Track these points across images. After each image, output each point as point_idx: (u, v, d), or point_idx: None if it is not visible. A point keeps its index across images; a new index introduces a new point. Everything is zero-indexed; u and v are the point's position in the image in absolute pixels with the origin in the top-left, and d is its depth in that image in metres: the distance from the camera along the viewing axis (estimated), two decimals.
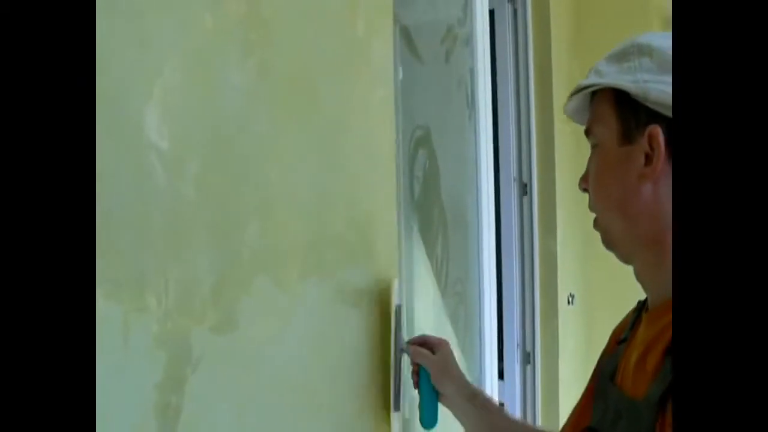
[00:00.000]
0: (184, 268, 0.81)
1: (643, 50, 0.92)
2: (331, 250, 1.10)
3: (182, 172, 0.81)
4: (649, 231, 0.92)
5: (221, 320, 0.87)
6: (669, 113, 0.88)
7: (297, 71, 1.02)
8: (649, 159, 0.90)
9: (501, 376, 2.76)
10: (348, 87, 1.15)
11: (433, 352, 1.23)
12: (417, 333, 1.53)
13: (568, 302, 2.88)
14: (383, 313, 1.23)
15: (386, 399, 1.23)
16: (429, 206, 1.79)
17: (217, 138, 0.87)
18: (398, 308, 1.23)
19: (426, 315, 1.83)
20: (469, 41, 1.99)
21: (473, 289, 2.07)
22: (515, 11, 2.70)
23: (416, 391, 1.24)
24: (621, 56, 0.94)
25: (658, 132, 0.88)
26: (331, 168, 1.10)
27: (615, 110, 0.93)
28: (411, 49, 1.71)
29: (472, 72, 2.01)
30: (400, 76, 1.58)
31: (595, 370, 1.08)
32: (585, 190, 1.00)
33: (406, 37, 1.67)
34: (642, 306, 1.00)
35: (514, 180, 2.67)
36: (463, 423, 1.25)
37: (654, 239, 0.92)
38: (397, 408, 1.22)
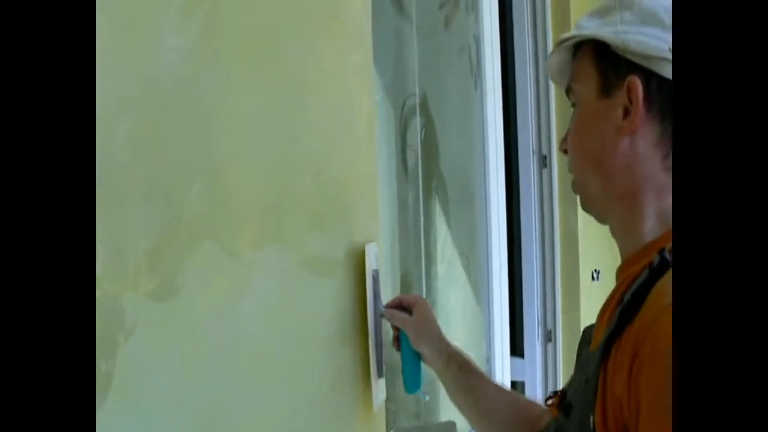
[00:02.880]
0: (114, 230, 0.78)
1: (624, 4, 0.93)
2: (295, 215, 1.06)
3: (111, 131, 0.78)
4: (625, 186, 0.92)
5: (159, 286, 0.84)
6: (648, 64, 0.88)
7: (252, 29, 0.98)
8: (627, 112, 0.89)
9: (522, 354, 2.71)
10: (317, 47, 1.11)
11: (411, 313, 1.24)
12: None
13: (593, 278, 2.81)
14: (359, 282, 1.19)
15: (367, 368, 1.20)
16: (426, 176, 1.74)
17: (154, 96, 0.84)
18: (375, 273, 1.21)
19: (420, 290, 1.79)
20: (474, 7, 1.93)
21: (481, 264, 2.02)
22: None
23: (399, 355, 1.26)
24: (603, 11, 0.95)
25: (636, 83, 0.88)
26: (295, 130, 1.06)
27: (595, 63, 0.93)
28: (402, 13, 1.66)
29: (477, 39, 1.94)
30: (391, 41, 1.53)
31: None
32: (565, 151, 1.00)
33: (396, 1, 1.62)
34: None
35: (533, 152, 2.59)
36: (442, 382, 1.26)
37: (629, 194, 0.91)
38: (380, 375, 1.21)
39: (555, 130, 2.60)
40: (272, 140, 1.02)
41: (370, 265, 1.19)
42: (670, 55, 0.87)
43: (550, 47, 2.62)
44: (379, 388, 1.21)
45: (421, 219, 1.76)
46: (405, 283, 1.78)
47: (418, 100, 1.71)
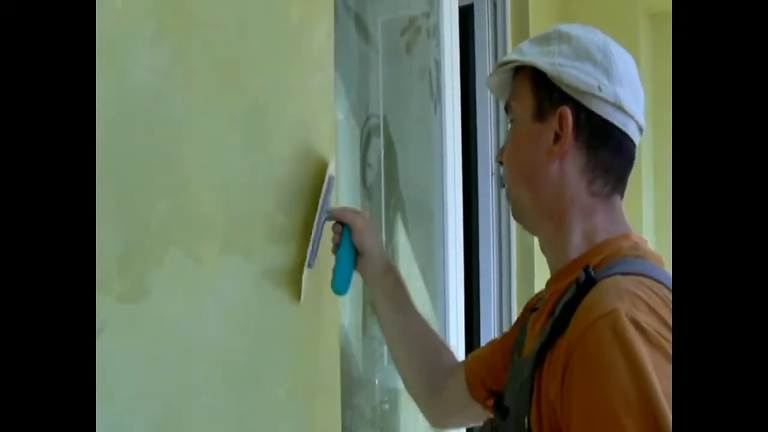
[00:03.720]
0: None
1: (563, 37, 1.01)
2: (258, 229, 1.13)
3: None
4: (554, 206, 0.99)
5: (129, 289, 0.91)
6: (579, 97, 0.96)
7: (218, 56, 1.06)
8: (558, 138, 0.97)
9: None
10: (279, 72, 1.19)
11: None
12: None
13: None
14: (314, 300, 1.26)
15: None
16: (386, 194, 1.82)
17: (126, 113, 0.91)
18: (331, 178, 1.25)
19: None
20: (435, 33, 2.02)
21: (438, 278, 2.10)
22: (495, 5, 2.72)
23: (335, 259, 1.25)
24: (543, 40, 1.02)
25: (567, 113, 0.96)
26: (259, 150, 1.14)
27: (532, 88, 1.00)
28: (364, 38, 1.75)
29: (438, 64, 2.04)
30: (355, 65, 1.61)
31: (510, 332, 1.18)
32: (501, 163, 1.07)
33: (360, 27, 1.71)
34: None
35: (492, 173, 2.68)
36: (372, 291, 1.29)
37: (557, 214, 0.99)
38: (310, 265, 1.20)
39: None
40: (236, 158, 1.09)
41: (328, 171, 1.24)
42: (599, 92, 0.95)
43: None
44: (307, 279, 1.20)
45: (382, 234, 1.84)
46: (365, 297, 1.84)
47: (380, 121, 1.79)
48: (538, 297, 1.11)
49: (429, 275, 2.08)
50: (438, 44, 2.04)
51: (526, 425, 0.89)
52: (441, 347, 1.31)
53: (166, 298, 0.96)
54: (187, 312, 1.00)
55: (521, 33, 2.78)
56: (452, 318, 2.14)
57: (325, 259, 1.24)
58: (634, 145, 1.00)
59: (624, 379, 0.77)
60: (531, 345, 0.96)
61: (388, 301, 1.29)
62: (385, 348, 1.92)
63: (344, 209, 1.28)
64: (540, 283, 2.84)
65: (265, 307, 1.15)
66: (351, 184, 1.70)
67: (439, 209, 2.08)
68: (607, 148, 0.98)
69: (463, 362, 1.26)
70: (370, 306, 1.84)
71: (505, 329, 2.85)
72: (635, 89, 1.00)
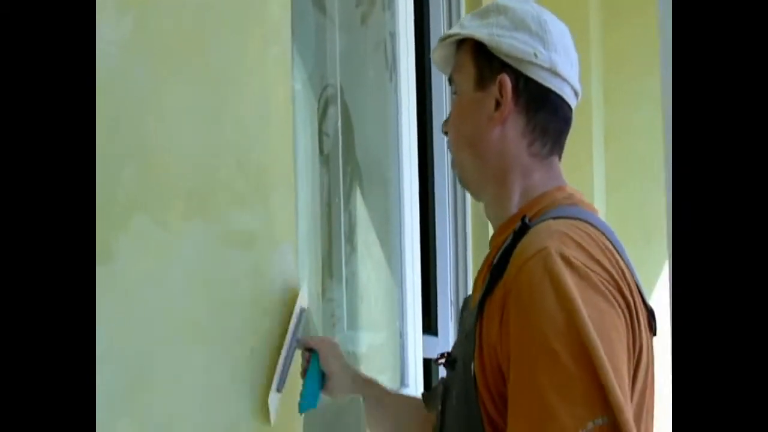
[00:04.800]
0: None
1: (500, 9, 1.07)
2: (219, 194, 1.18)
3: None
4: (496, 168, 1.05)
5: (98, 252, 0.95)
6: (517, 65, 1.03)
7: (181, 28, 1.10)
8: (498, 104, 1.03)
9: (435, 332, 2.86)
10: (239, 43, 1.23)
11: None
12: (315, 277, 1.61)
13: None
14: (275, 258, 1.32)
15: (269, 377, 1.27)
16: (343, 162, 1.87)
17: None
18: (302, 311, 1.34)
19: (339, 269, 1.92)
20: (390, 5, 2.07)
21: (395, 245, 2.17)
22: None
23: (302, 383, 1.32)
24: (483, 13, 1.09)
25: (506, 81, 1.02)
26: (220, 119, 1.18)
27: (473, 59, 1.06)
28: (321, 10, 1.79)
29: (393, 35, 2.08)
30: (312, 36, 1.65)
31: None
32: (446, 133, 1.13)
33: (317, 0, 1.75)
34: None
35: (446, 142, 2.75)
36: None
37: (500, 176, 1.05)
38: (279, 389, 1.28)
39: None
40: (198, 127, 1.13)
41: (299, 304, 1.33)
42: (535, 59, 1.02)
43: None
44: (275, 401, 1.27)
45: (341, 201, 1.89)
46: (325, 261, 1.90)
47: (336, 90, 1.84)
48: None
49: (386, 241, 2.14)
50: (393, 16, 2.08)
51: (472, 372, 0.93)
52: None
53: (133, 262, 1.01)
54: (151, 275, 1.04)
55: (474, 5, 2.83)
56: (409, 283, 2.21)
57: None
58: (570, 107, 1.06)
59: (552, 308, 0.83)
60: (476, 297, 1.02)
61: (367, 405, 1.35)
62: (345, 312, 1.99)
63: (312, 337, 1.37)
64: None
65: (225, 269, 1.20)
66: (308, 153, 1.75)
67: (395, 176, 2.14)
68: (545, 111, 1.03)
69: None
70: (328, 270, 1.90)
71: (461, 293, 2.94)
72: (569, 55, 1.06)
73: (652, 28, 2.04)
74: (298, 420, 1.37)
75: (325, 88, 1.79)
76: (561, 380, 0.81)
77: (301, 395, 1.30)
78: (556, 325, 0.83)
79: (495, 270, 0.94)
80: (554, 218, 0.96)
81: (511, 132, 1.04)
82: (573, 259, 0.87)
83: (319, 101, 1.77)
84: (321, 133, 1.77)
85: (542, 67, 1.02)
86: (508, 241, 0.95)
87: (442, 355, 1.14)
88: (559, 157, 1.08)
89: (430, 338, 2.78)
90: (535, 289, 0.86)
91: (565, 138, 1.08)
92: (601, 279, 0.88)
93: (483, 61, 1.05)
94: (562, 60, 1.04)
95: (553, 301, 0.84)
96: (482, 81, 1.05)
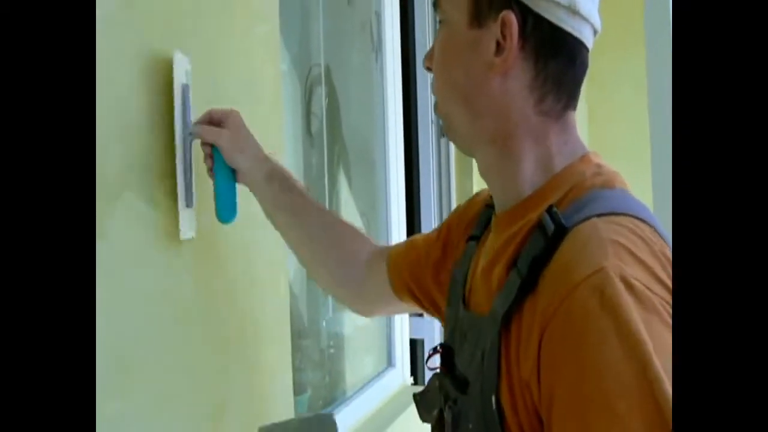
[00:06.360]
0: None
1: None
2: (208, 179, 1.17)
3: None
4: (495, 128, 0.85)
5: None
6: (526, 0, 0.80)
7: (166, 7, 1.09)
8: (500, 48, 0.82)
9: (421, 313, 2.88)
10: (225, 24, 1.22)
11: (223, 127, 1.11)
12: None
13: None
14: (263, 239, 1.31)
15: (172, 194, 1.07)
16: (329, 142, 1.87)
17: None
18: (184, 87, 1.07)
19: None
20: None
21: (381, 224, 2.18)
22: None
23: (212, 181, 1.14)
24: None
25: (512, 18, 0.80)
26: (208, 98, 1.18)
27: None
28: None
29: (379, 15, 2.08)
30: (298, 17, 1.64)
31: (435, 242, 1.07)
32: (429, 69, 0.91)
33: None
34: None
35: (431, 122, 2.76)
36: (261, 203, 1.17)
37: (501, 137, 0.85)
38: (189, 204, 1.08)
39: None
40: None
41: (178, 79, 1.05)
42: None
43: None
44: (188, 219, 1.08)
45: (326, 181, 1.89)
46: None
47: (322, 70, 1.83)
48: (471, 219, 1.02)
49: (372, 221, 2.15)
50: None
51: (494, 405, 0.76)
52: (350, 236, 1.20)
53: (123, 240, 1.00)
54: (141, 252, 1.04)
55: None
56: None
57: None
58: (587, 50, 0.85)
59: (616, 356, 0.65)
60: (484, 298, 0.85)
61: (279, 209, 1.16)
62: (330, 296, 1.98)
63: (204, 128, 1.10)
64: None
65: (215, 250, 1.19)
66: (296, 133, 1.74)
67: (381, 157, 2.14)
68: (559, 59, 0.82)
69: (382, 252, 1.16)
70: None
71: None
72: None
73: (637, 8, 2.05)
74: (275, 241, 1.23)
75: (311, 69, 1.79)
76: None
77: (216, 200, 1.11)
78: (622, 380, 0.64)
79: (524, 283, 0.75)
80: (598, 215, 0.76)
81: (514, 84, 0.82)
82: (635, 282, 0.68)
83: (305, 82, 1.77)
84: (308, 113, 1.77)
85: (558, 4, 0.80)
86: (539, 247, 0.76)
87: (435, 350, 0.95)
88: (574, 110, 0.87)
89: (415, 319, 2.80)
90: (592, 328, 0.67)
91: (580, 88, 0.86)
92: (663, 303, 0.69)
93: None
94: None
95: (617, 347, 0.65)
96: (479, 15, 0.82)
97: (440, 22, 0.89)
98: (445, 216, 2.88)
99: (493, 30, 0.81)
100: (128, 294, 1.01)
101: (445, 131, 0.93)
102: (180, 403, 1.10)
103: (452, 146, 2.81)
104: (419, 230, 2.82)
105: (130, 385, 0.98)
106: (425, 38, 2.71)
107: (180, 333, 1.11)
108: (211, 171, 1.12)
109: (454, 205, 2.87)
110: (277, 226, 1.19)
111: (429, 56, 0.91)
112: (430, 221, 2.82)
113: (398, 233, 2.23)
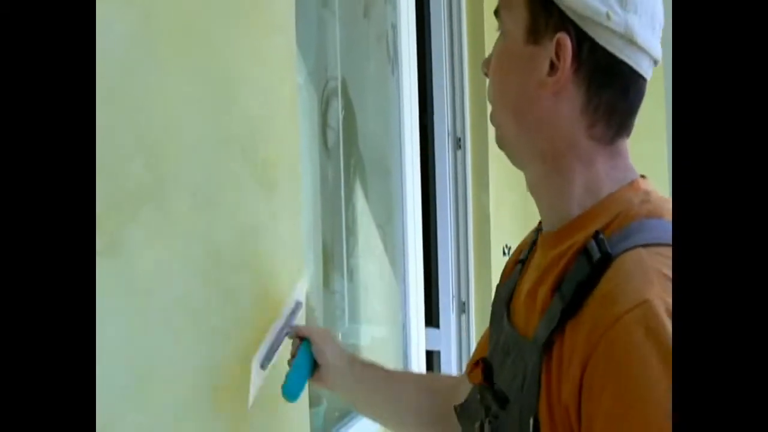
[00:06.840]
0: None
1: None
2: (226, 187, 1.18)
3: None
4: (546, 147, 0.86)
5: (106, 245, 0.95)
6: (583, 24, 0.81)
7: (185, 20, 1.09)
8: (554, 68, 0.83)
9: (437, 324, 2.88)
10: (242, 36, 1.23)
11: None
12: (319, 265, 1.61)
13: (504, 253, 2.99)
14: (280, 252, 1.32)
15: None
16: (345, 154, 1.88)
17: (98, 80, 0.94)
18: (298, 304, 1.27)
19: (340, 261, 1.92)
20: None
21: (397, 238, 2.17)
22: None
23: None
24: None
25: (566, 41, 0.81)
26: (225, 111, 1.18)
27: (527, 2, 0.85)
28: (322, 2, 1.79)
29: (395, 27, 2.08)
30: (314, 29, 1.65)
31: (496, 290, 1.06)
32: (487, 74, 0.93)
33: None
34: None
35: (448, 134, 2.76)
36: (349, 392, 1.24)
37: (551, 157, 0.86)
38: (263, 366, 1.20)
39: (468, 114, 2.76)
40: (205, 121, 1.13)
41: (296, 294, 1.27)
42: (606, 21, 0.80)
43: (465, 34, 2.78)
44: (257, 377, 1.19)
45: (342, 194, 1.89)
46: (326, 254, 1.90)
47: (339, 83, 1.84)
48: (522, 247, 1.04)
49: (388, 234, 2.14)
50: (395, 8, 2.08)
51: (531, 427, 0.77)
52: (438, 378, 1.27)
53: (140, 253, 1.01)
54: (160, 266, 1.04)
55: None
56: (411, 276, 2.21)
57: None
58: (645, 81, 0.85)
59: (662, 387, 0.65)
60: (527, 319, 0.86)
61: (369, 384, 1.23)
62: (347, 304, 1.99)
63: (304, 326, 1.26)
64: (497, 241, 2.94)
65: (230, 262, 1.20)
66: (312, 146, 1.75)
67: (397, 169, 2.14)
68: (613, 89, 0.83)
69: (463, 375, 1.15)
70: (331, 260, 1.90)
71: (463, 284, 2.96)
72: (652, 16, 0.83)
73: None
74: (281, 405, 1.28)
75: (327, 82, 1.79)
76: None
77: (287, 380, 1.21)
78: (664, 405, 0.64)
79: (567, 307, 0.76)
80: (644, 245, 0.75)
81: (566, 106, 0.83)
82: None
83: (322, 95, 1.77)
84: (325, 126, 1.77)
85: (615, 32, 0.80)
86: (584, 273, 0.76)
87: (477, 364, 0.96)
88: (628, 137, 0.87)
89: (432, 330, 2.80)
90: (636, 359, 0.67)
91: (635, 117, 0.86)
92: None
93: (539, 7, 0.83)
94: (642, 23, 0.82)
95: (663, 379, 0.65)
96: (536, 32, 0.83)
97: (498, 30, 0.90)
98: (460, 229, 2.88)
99: (549, 49, 0.82)
100: (149, 306, 1.01)
101: (497, 141, 0.93)
102: (199, 416, 1.10)
103: (468, 158, 2.80)
104: (435, 242, 2.82)
105: (149, 398, 0.98)
106: (441, 50, 2.72)
107: (200, 343, 1.11)
108: (292, 360, 1.22)
109: (470, 217, 2.87)
110: (368, 407, 1.27)
111: (486, 62, 0.93)
112: (446, 233, 2.81)
113: (414, 245, 2.23)
